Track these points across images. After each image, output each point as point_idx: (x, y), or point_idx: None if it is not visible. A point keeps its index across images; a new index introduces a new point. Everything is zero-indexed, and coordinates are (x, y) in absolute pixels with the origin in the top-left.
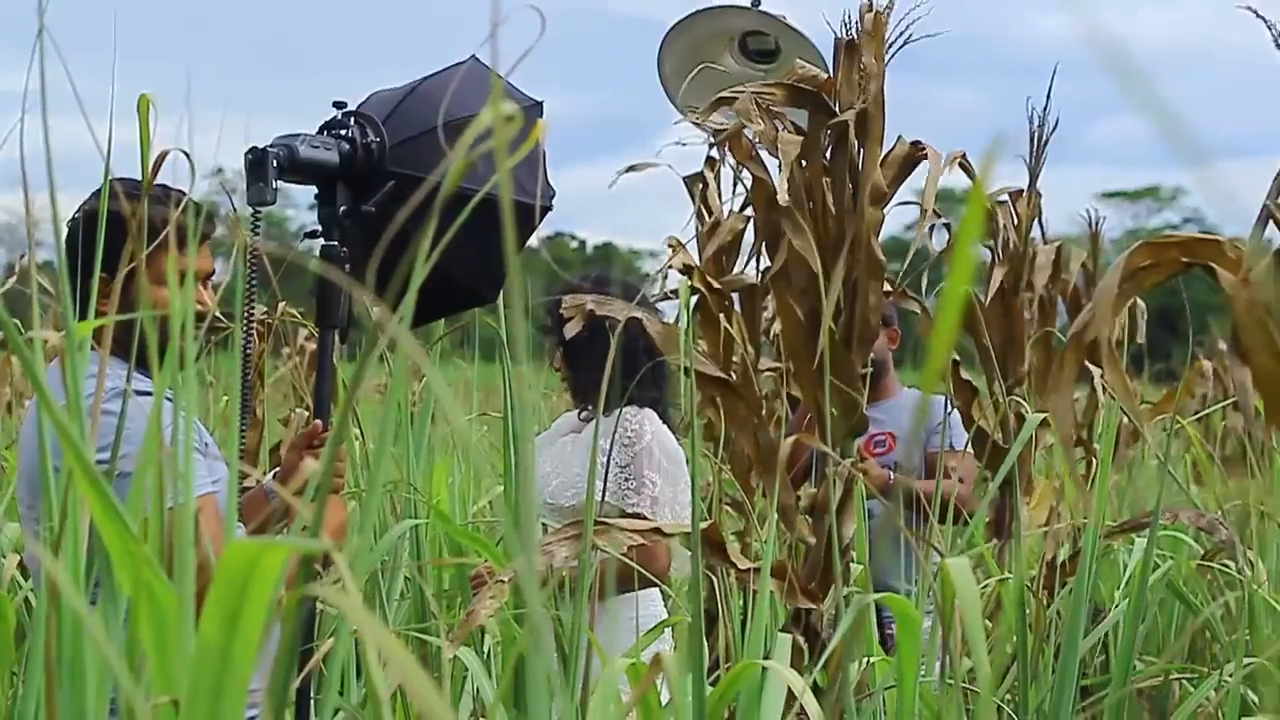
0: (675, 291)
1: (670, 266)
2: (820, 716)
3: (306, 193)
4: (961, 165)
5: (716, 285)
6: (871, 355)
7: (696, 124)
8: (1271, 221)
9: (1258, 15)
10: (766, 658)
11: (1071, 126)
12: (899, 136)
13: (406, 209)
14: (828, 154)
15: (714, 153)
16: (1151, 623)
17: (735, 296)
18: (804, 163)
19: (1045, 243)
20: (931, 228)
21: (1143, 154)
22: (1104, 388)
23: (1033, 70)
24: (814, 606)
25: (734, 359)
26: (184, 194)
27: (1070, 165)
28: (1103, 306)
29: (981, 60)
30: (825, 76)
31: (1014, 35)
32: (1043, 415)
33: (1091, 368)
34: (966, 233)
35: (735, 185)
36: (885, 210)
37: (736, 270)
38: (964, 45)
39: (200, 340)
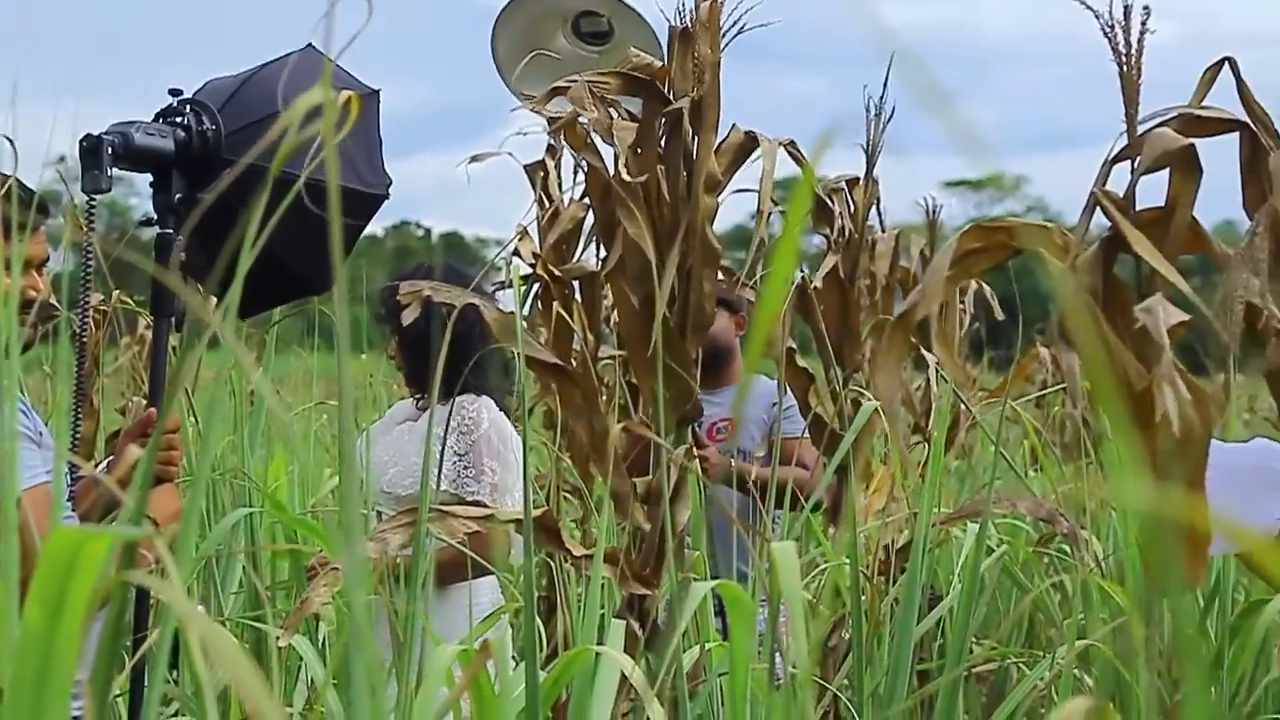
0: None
1: (515, 254)
2: (652, 701)
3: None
4: (791, 153)
5: (557, 273)
6: (718, 342)
7: (535, 111)
8: (1099, 209)
9: (1084, 5)
10: (601, 644)
11: (919, 115)
12: (733, 125)
13: (216, 191)
14: (662, 142)
15: (555, 140)
16: (992, 608)
17: (576, 284)
18: (639, 150)
19: (885, 231)
20: (769, 216)
21: (990, 143)
22: (939, 374)
23: (882, 60)
24: (648, 592)
25: (574, 347)
26: (8, 178)
27: (919, 154)
28: (932, 287)
29: (829, 50)
30: (660, 65)
31: (861, 25)
32: (878, 402)
33: (928, 355)
34: (793, 220)
35: (577, 173)
36: (720, 198)
37: (578, 258)
38: (810, 35)
39: (33, 327)
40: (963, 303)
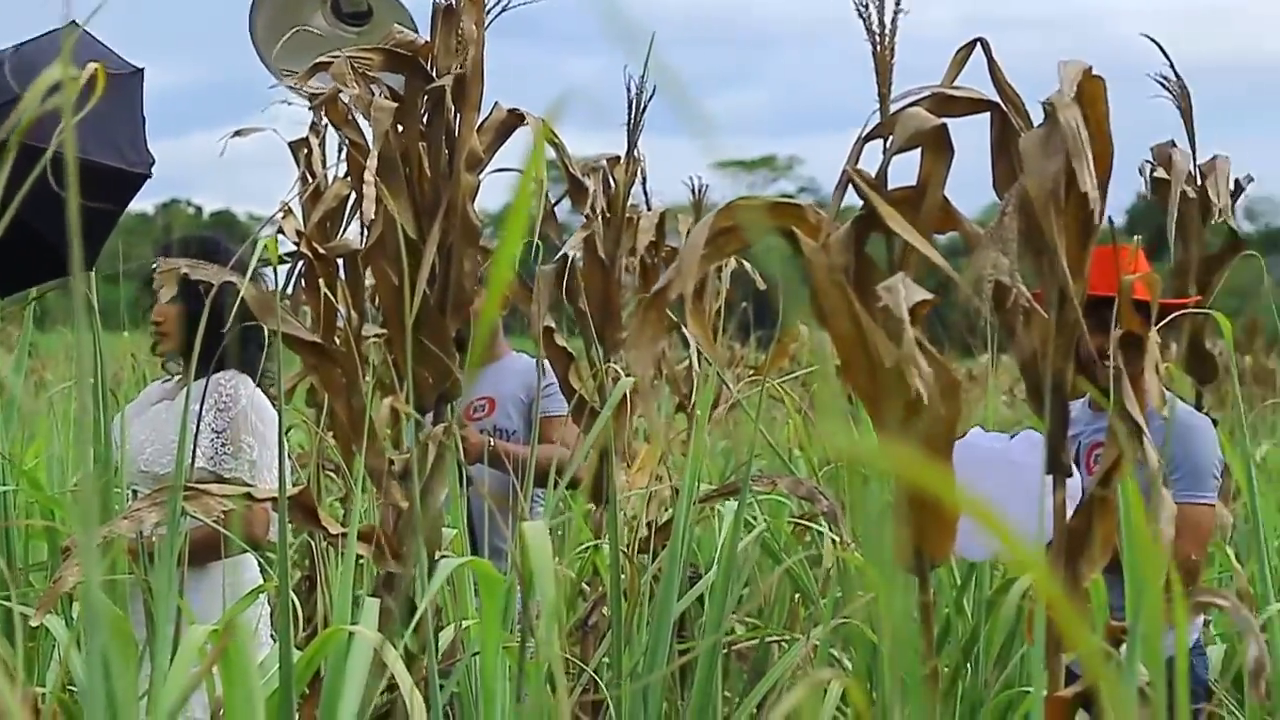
0: (282, 257)
1: (279, 232)
2: (407, 681)
3: None
4: (549, 134)
5: (321, 251)
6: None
7: (292, 88)
8: (852, 188)
9: None
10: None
11: (696, 96)
12: (496, 102)
13: None
14: (424, 119)
15: (318, 117)
16: (757, 588)
17: (341, 262)
18: (400, 128)
19: (651, 210)
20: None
21: (765, 124)
22: (699, 354)
23: (664, 41)
24: (405, 571)
25: (339, 325)
26: None
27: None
28: (687, 264)
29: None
30: (423, 41)
31: (646, 7)
32: (634, 378)
33: (690, 335)
34: (520, 194)
35: (341, 150)
36: (481, 176)
37: (342, 235)
38: (590, 14)
39: None
40: (720, 280)
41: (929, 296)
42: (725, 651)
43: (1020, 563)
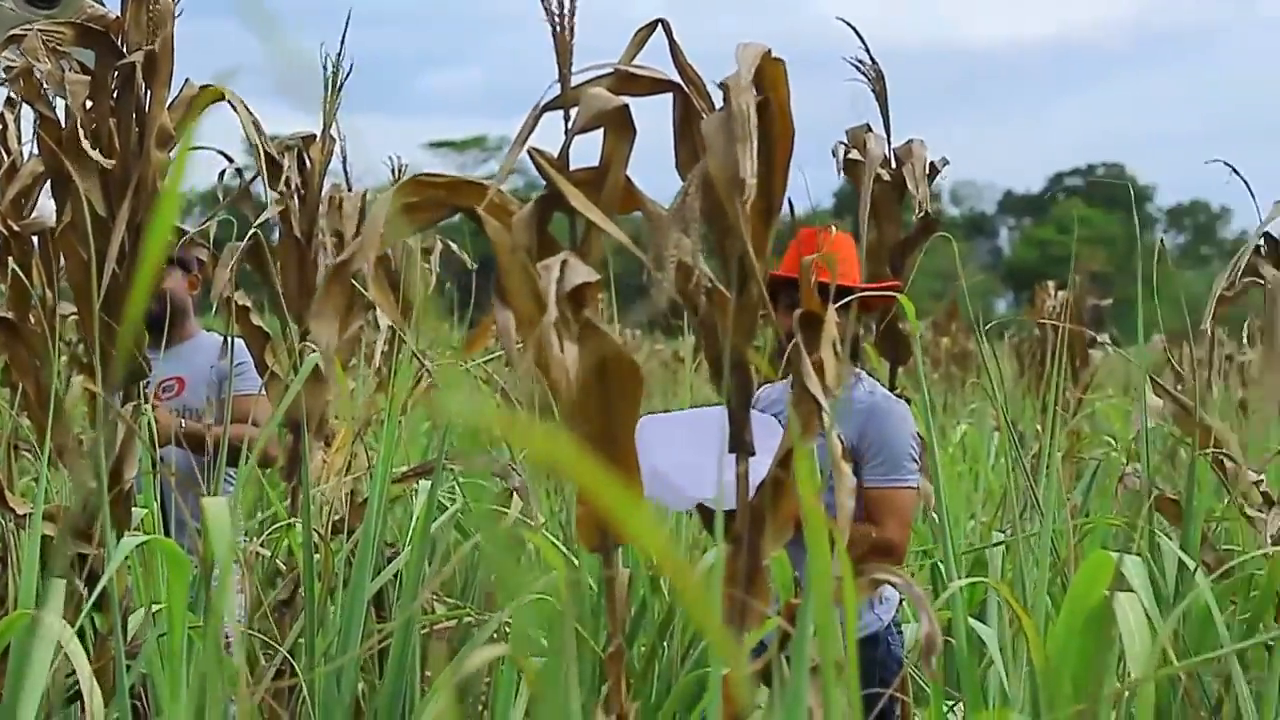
0: None
1: None
2: (85, 669)
3: None
4: (232, 105)
5: (16, 229)
6: (171, 301)
7: None
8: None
9: None
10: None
11: (403, 77)
12: (187, 79)
13: None
14: (115, 96)
15: (13, 91)
16: (461, 569)
17: (35, 240)
18: (90, 103)
19: (353, 190)
20: (246, 173)
21: (479, 105)
22: (394, 332)
23: (372, 21)
24: (93, 550)
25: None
26: None
27: (406, 115)
28: (369, 238)
29: (318, 7)
30: (115, 17)
31: None
32: (325, 355)
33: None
34: (176, 171)
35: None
36: (172, 153)
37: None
38: None
39: None
40: (428, 262)
41: (594, 277)
42: (426, 632)
43: (663, 563)
